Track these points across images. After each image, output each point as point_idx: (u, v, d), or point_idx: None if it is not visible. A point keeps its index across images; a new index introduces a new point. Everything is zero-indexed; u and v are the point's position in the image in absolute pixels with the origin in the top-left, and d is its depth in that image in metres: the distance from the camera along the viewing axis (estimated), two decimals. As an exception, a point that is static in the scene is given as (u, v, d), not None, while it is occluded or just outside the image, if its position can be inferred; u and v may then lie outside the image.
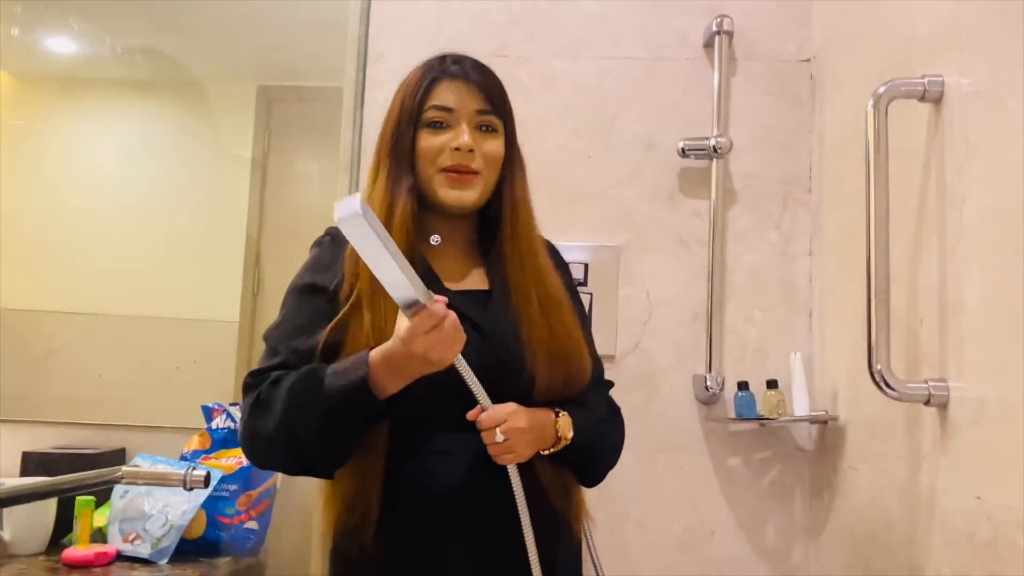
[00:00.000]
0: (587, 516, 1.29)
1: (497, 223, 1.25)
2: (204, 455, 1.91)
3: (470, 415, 1.13)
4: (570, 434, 1.18)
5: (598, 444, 1.28)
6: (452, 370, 1.10)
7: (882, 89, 1.28)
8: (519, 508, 1.11)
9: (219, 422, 1.95)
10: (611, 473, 1.84)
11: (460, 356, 1.07)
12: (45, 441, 2.00)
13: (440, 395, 1.13)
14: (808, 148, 1.96)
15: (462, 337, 1.06)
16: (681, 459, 1.89)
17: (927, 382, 1.22)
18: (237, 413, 1.97)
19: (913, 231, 1.34)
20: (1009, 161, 1.07)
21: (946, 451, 1.21)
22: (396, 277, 0.96)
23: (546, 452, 1.18)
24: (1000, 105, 1.11)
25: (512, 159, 1.27)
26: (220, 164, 2.37)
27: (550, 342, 1.19)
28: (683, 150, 1.92)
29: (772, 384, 1.77)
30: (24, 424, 2.05)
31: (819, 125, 1.92)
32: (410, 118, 1.21)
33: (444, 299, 1.03)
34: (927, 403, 1.22)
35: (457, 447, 1.15)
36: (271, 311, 2.30)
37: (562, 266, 1.36)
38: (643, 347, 1.92)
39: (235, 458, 1.90)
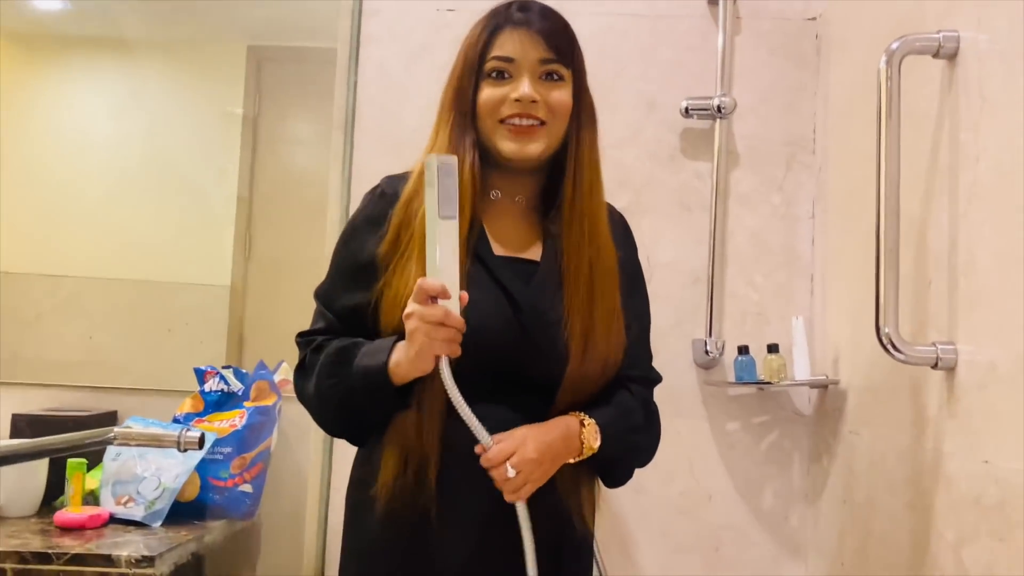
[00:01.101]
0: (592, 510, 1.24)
1: (561, 181, 1.19)
2: (197, 418, 1.89)
3: (477, 450, 1.08)
4: (596, 443, 1.14)
5: (627, 454, 1.23)
6: (494, 338, 1.10)
7: (895, 45, 1.24)
8: (524, 538, 1.07)
9: (212, 384, 1.92)
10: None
11: (449, 377, 1.04)
12: (35, 404, 1.97)
13: (480, 363, 1.09)
14: (812, 109, 1.92)
15: (455, 343, 1.04)
16: (679, 423, 1.88)
17: (935, 345, 1.20)
18: (230, 376, 1.95)
19: (923, 192, 1.31)
20: (1027, 117, 1.04)
21: (953, 415, 1.19)
22: (449, 248, 1.02)
23: (572, 461, 1.14)
24: (1018, 62, 1.08)
25: (581, 111, 1.20)
26: (211, 125, 2.34)
27: (590, 324, 1.14)
28: (686, 110, 1.88)
29: (773, 348, 1.76)
30: (13, 386, 2.02)
31: (824, 86, 1.89)
32: (472, 70, 1.16)
33: (466, 297, 1.04)
34: (935, 366, 1.20)
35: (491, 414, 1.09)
36: (263, 274, 2.29)
37: (627, 243, 1.29)
38: (642, 311, 1.89)
39: (228, 421, 1.88)
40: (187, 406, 1.90)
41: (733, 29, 1.93)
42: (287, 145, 2.35)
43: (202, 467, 1.78)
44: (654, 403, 1.28)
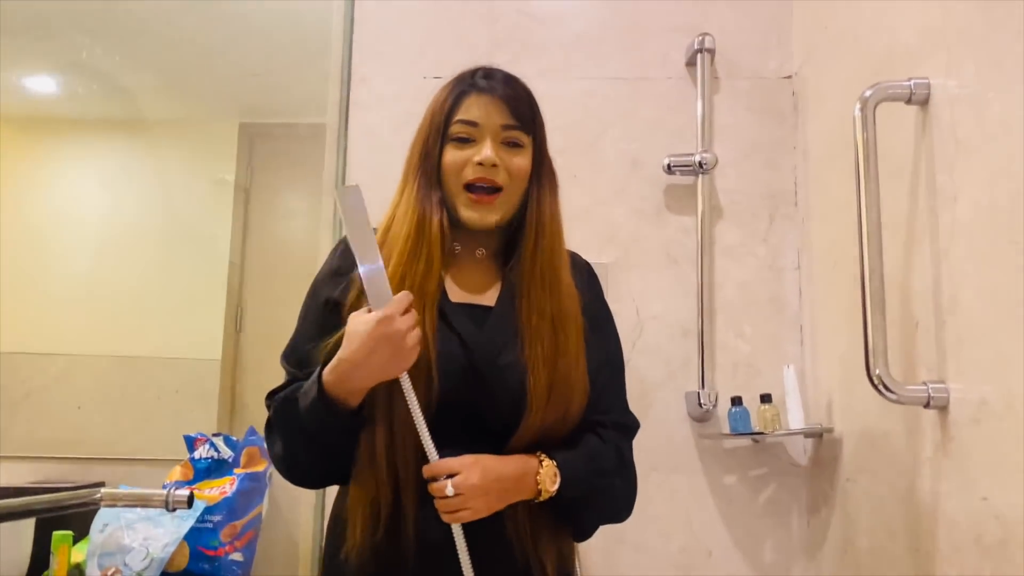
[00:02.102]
0: (576, 562, 1.21)
1: (521, 236, 1.21)
2: (187, 486, 1.85)
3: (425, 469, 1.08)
4: (553, 488, 1.11)
5: (594, 500, 1.18)
6: (446, 380, 1.09)
7: (868, 92, 1.29)
8: (463, 567, 1.06)
9: (202, 452, 1.90)
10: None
11: (408, 381, 1.06)
12: (21, 477, 1.94)
13: (442, 411, 1.09)
14: (793, 163, 1.97)
15: (415, 350, 1.05)
16: (676, 478, 1.86)
17: (926, 384, 1.21)
18: (220, 443, 1.92)
19: (904, 235, 1.34)
20: (1002, 155, 1.07)
21: (947, 454, 1.19)
22: (375, 264, 1.03)
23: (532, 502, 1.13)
24: (988, 104, 1.11)
25: (541, 174, 1.23)
26: (202, 201, 2.35)
27: (551, 367, 1.13)
28: (668, 166, 1.92)
29: (766, 398, 1.75)
30: (0, 460, 1.99)
31: (803, 140, 1.93)
32: (437, 132, 1.20)
33: (411, 296, 1.05)
34: (927, 405, 1.21)
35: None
36: (254, 348, 2.28)
37: (592, 287, 1.29)
38: (634, 364, 1.89)
39: (218, 488, 1.85)
40: (176, 474, 1.87)
41: (711, 88, 1.98)
42: (279, 218, 2.37)
43: (191, 536, 1.74)
44: (629, 450, 1.24)
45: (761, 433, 1.73)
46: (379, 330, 1.03)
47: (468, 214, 1.18)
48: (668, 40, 2.02)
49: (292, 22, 2.26)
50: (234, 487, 1.82)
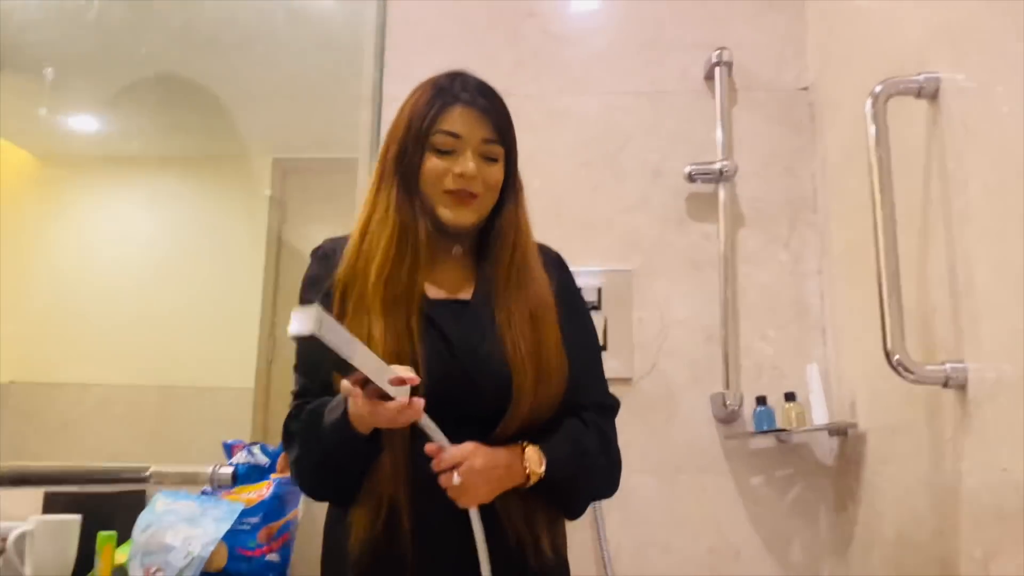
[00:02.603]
0: (561, 541, 1.26)
1: (493, 239, 1.28)
2: (224, 490, 1.90)
3: (428, 449, 1.12)
4: (540, 469, 1.16)
5: (579, 479, 1.23)
6: (440, 379, 1.15)
7: (879, 88, 1.34)
8: (479, 551, 1.11)
9: (239, 457, 1.95)
10: (634, 497, 1.86)
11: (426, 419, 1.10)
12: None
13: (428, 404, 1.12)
14: (811, 171, 2.01)
15: (414, 416, 1.08)
16: (703, 479, 1.88)
17: (944, 364, 1.24)
18: (257, 451, 1.98)
19: (919, 224, 1.38)
20: (1008, 138, 1.11)
21: (967, 431, 1.22)
22: (368, 367, 1.00)
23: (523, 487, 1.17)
24: (994, 92, 1.16)
25: (512, 183, 1.31)
26: (236, 234, 2.40)
27: (535, 356, 1.19)
28: (690, 175, 1.98)
29: (790, 396, 1.78)
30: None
31: (821, 148, 1.98)
32: (418, 139, 1.24)
33: (415, 379, 1.06)
34: (945, 384, 1.23)
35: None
36: (285, 378, 2.33)
37: (562, 273, 1.35)
38: (660, 368, 1.94)
39: (255, 492, 1.90)
40: (215, 479, 1.92)
41: (729, 101, 2.04)
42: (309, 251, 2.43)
43: (230, 537, 1.78)
44: (612, 429, 1.30)
45: (785, 430, 1.75)
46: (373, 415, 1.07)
47: (447, 213, 1.24)
48: (686, 56, 2.09)
49: (324, 57, 2.33)
50: (271, 491, 1.87)
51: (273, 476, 1.93)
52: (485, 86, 1.29)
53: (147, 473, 1.07)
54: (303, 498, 1.93)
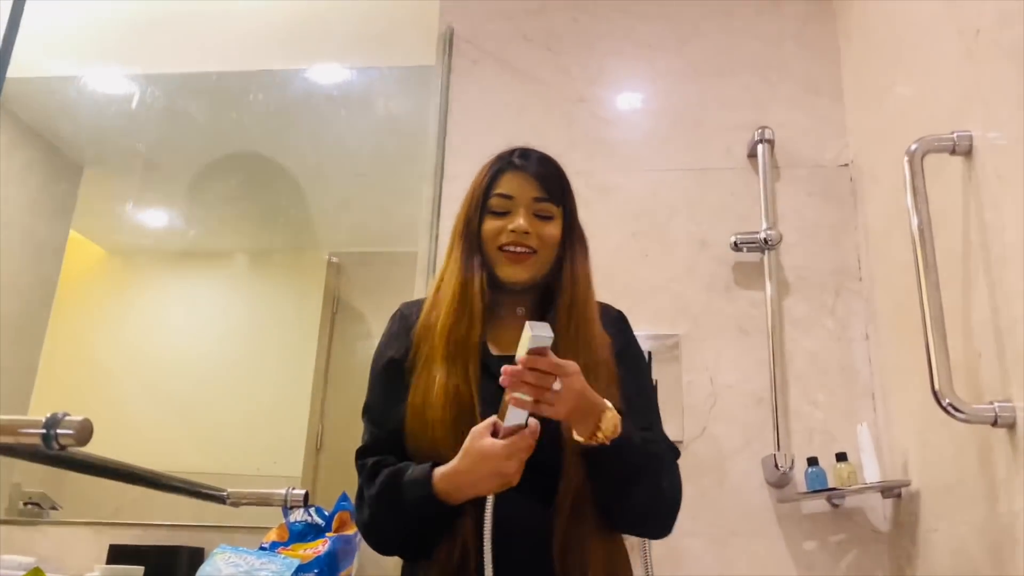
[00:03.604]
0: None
1: (556, 295, 1.35)
2: (282, 547, 1.95)
3: (531, 351, 1.09)
4: (612, 433, 1.14)
5: (641, 476, 1.21)
6: None
7: (915, 146, 1.42)
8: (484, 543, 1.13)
9: (297, 515, 2.00)
10: (687, 559, 1.86)
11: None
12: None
13: None
14: (855, 241, 2.08)
15: (511, 480, 1.13)
16: (756, 544, 1.88)
17: (993, 403, 1.27)
18: (313, 512, 2.02)
19: (961, 276, 1.43)
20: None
21: (1020, 469, 1.23)
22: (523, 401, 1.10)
23: (581, 440, 1.16)
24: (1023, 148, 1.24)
25: (573, 240, 1.38)
26: (290, 327, 2.48)
27: None
28: (736, 243, 2.06)
29: (842, 457, 1.79)
30: (106, 526, 2.10)
31: (863, 220, 2.05)
32: (477, 204, 1.37)
33: (537, 426, 1.13)
34: (994, 424, 1.26)
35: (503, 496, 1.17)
36: (333, 467, 2.37)
37: (622, 332, 1.40)
38: (710, 432, 1.96)
39: (312, 549, 1.94)
40: (273, 535, 1.97)
41: (772, 177, 2.14)
42: (360, 342, 2.46)
43: (287, 590, 1.82)
44: (676, 465, 1.30)
45: (838, 489, 1.76)
46: (487, 458, 1.13)
47: (503, 270, 1.33)
48: (730, 135, 2.21)
49: (383, 153, 2.48)
50: (327, 547, 1.91)
51: (329, 535, 1.97)
52: (542, 155, 1.40)
53: (225, 494, 1.13)
54: (357, 557, 1.96)
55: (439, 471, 1.18)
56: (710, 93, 2.27)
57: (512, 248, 1.33)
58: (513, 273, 1.33)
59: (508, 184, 1.35)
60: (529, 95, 2.33)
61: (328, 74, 2.58)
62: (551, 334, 1.06)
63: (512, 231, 1.32)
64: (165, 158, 2.63)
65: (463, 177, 2.17)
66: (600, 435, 1.14)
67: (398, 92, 2.54)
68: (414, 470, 1.22)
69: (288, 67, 2.57)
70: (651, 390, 1.42)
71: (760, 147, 2.13)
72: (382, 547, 1.31)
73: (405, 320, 1.39)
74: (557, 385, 1.10)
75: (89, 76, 2.65)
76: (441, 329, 1.29)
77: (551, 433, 1.18)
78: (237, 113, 2.63)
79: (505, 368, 1.09)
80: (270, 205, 2.57)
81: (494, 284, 1.35)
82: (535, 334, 1.06)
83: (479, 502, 1.16)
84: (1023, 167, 1.24)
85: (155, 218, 2.67)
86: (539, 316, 1.35)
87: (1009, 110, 1.30)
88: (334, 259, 2.47)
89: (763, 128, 2.14)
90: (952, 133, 1.42)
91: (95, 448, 2.32)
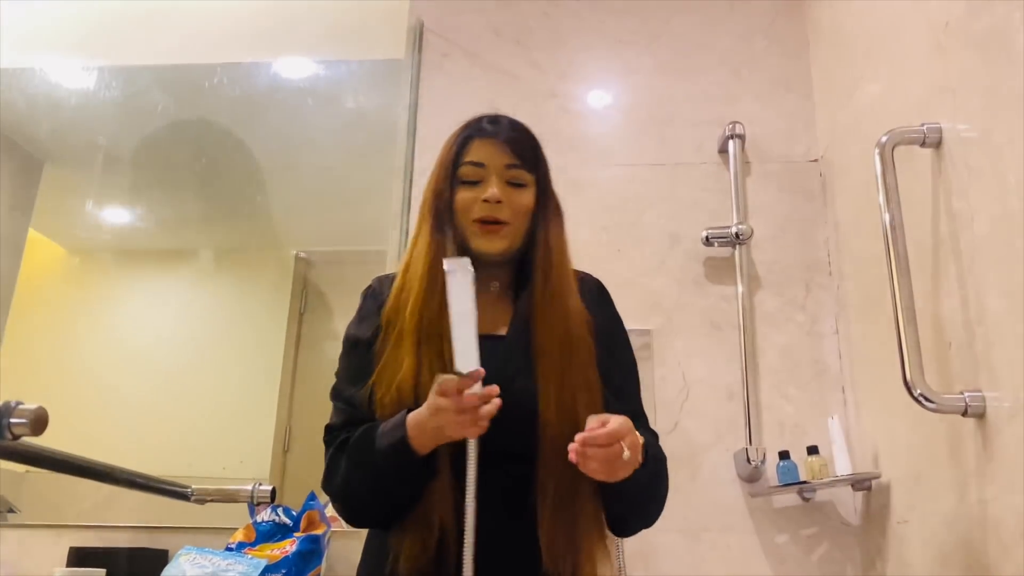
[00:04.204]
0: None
1: (531, 268, 1.30)
2: (249, 547, 1.91)
3: (591, 424, 1.07)
4: (640, 457, 1.11)
5: (658, 478, 1.21)
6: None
7: (885, 138, 1.43)
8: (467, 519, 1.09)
9: (265, 515, 1.96)
10: (659, 554, 1.85)
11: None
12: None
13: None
14: (824, 236, 2.09)
15: (484, 425, 1.10)
16: (728, 538, 1.87)
17: (963, 393, 1.27)
18: (280, 512, 1.98)
19: (931, 267, 1.43)
20: (1008, 171, 1.18)
21: (990, 459, 1.24)
22: (469, 343, 1.07)
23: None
24: (994, 135, 1.24)
25: (546, 207, 1.32)
26: (256, 325, 2.43)
27: (565, 393, 1.19)
28: (707, 238, 2.05)
29: (813, 450, 1.79)
30: (67, 528, 2.04)
31: (832, 215, 2.06)
32: (447, 174, 1.30)
33: (496, 390, 1.09)
34: (964, 413, 1.26)
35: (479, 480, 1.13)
36: (300, 468, 2.33)
37: (602, 306, 1.36)
38: (682, 426, 1.96)
39: (279, 549, 1.90)
40: (240, 536, 1.92)
41: (743, 172, 2.14)
42: (329, 342, 2.39)
43: (253, 593, 1.78)
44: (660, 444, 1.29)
45: (809, 482, 1.76)
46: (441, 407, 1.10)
47: (477, 242, 1.27)
48: (701, 131, 2.21)
49: (352, 148, 2.44)
50: (294, 547, 1.87)
51: (297, 535, 1.94)
52: (513, 120, 1.34)
53: (189, 491, 1.10)
54: (325, 558, 1.92)
55: (412, 414, 1.14)
56: (681, 88, 2.26)
57: (485, 221, 1.27)
58: (488, 244, 1.27)
59: (478, 151, 1.29)
60: (499, 90, 2.31)
61: (296, 68, 2.54)
62: (471, 268, 1.05)
63: (485, 200, 1.26)
64: (127, 154, 2.57)
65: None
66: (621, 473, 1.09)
67: (367, 86, 2.51)
68: (388, 421, 1.18)
69: (255, 60, 2.53)
70: (634, 369, 1.36)
71: (731, 142, 2.13)
72: (352, 509, 1.25)
73: (376, 298, 1.33)
74: (627, 453, 1.06)
75: (49, 68, 2.59)
76: (412, 310, 1.23)
77: (523, 420, 1.15)
78: (202, 107, 2.58)
79: (572, 447, 1.06)
80: (236, 202, 2.52)
81: (470, 257, 1.24)
82: (455, 285, 1.06)
83: (459, 475, 1.12)
84: (992, 158, 1.24)
85: (116, 215, 2.59)
86: (514, 291, 1.31)
87: (978, 101, 1.30)
88: (302, 255, 2.43)
89: (734, 123, 2.14)
90: (922, 125, 1.42)
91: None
